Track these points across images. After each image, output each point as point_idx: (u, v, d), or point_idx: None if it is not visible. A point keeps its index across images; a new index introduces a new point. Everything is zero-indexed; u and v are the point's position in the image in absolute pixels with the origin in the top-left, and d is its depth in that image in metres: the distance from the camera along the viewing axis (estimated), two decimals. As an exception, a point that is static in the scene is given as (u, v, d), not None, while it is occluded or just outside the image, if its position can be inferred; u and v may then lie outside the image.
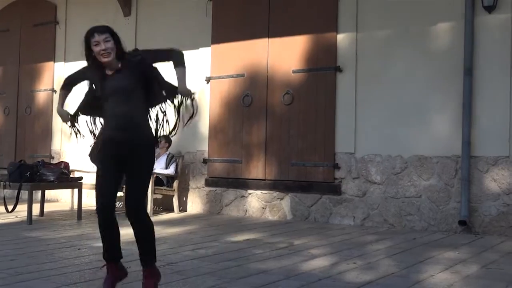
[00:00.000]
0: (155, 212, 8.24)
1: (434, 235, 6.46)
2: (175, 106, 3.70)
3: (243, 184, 8.16)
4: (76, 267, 4.40)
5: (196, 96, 8.42)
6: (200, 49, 8.66)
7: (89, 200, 9.18)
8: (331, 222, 7.43)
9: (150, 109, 3.66)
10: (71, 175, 7.83)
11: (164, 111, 3.74)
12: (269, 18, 8.04)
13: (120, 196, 3.92)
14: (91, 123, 3.79)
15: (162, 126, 3.75)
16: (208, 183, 8.49)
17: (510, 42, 6.47)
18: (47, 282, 3.89)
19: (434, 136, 6.85)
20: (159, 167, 8.27)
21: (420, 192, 6.91)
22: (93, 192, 9.44)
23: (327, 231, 6.69)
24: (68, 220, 7.45)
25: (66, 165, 7.69)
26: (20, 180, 6.92)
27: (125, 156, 3.45)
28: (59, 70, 10.17)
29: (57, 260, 4.67)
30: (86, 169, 8.53)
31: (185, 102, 3.69)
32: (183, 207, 8.67)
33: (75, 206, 7.86)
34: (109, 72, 3.49)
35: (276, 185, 7.89)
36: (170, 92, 3.62)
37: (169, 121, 3.76)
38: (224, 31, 8.41)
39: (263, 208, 8.01)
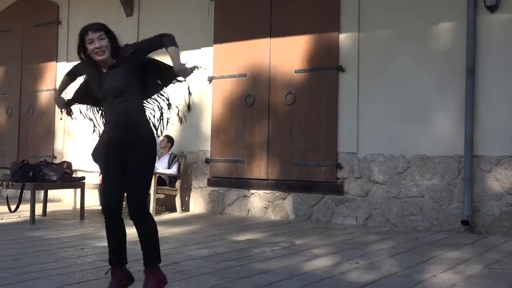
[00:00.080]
0: (158, 212, 8.25)
1: (437, 235, 6.45)
2: (168, 101, 3.66)
3: (245, 184, 8.16)
4: (78, 266, 4.40)
5: (197, 91, 8.42)
6: (202, 49, 8.66)
7: (92, 200, 9.20)
8: (334, 222, 7.43)
9: (146, 100, 3.64)
10: (73, 175, 7.85)
11: (161, 108, 3.71)
12: (271, 18, 8.04)
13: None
14: (91, 112, 3.76)
15: (161, 122, 3.71)
16: (210, 183, 8.50)
17: (513, 41, 6.47)
18: (50, 281, 3.89)
19: (436, 136, 6.85)
20: (162, 167, 8.28)
21: (422, 192, 6.90)
22: (96, 192, 9.53)
23: (329, 231, 6.69)
24: (70, 219, 7.46)
25: (69, 165, 7.70)
26: (23, 180, 6.93)
27: (127, 155, 3.43)
28: (61, 70, 10.18)
29: (60, 259, 4.68)
30: (88, 169, 8.55)
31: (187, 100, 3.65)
32: (185, 207, 8.68)
33: (78, 206, 7.87)
34: (104, 70, 3.46)
35: (278, 185, 7.89)
36: (167, 76, 3.61)
37: (163, 117, 3.70)
38: (226, 31, 8.41)
39: (265, 208, 8.01)
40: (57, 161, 9.52)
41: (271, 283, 3.94)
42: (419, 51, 6.99)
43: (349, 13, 7.45)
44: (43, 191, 7.99)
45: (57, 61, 10.32)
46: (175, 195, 8.39)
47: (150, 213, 3.54)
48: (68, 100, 3.78)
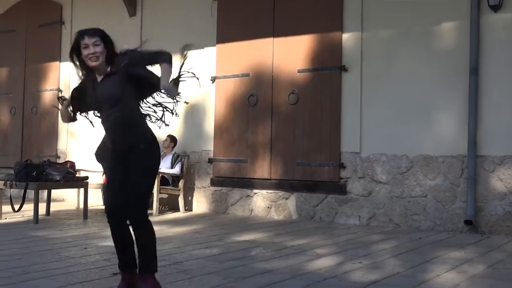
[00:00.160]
0: (161, 212, 8.26)
1: (440, 234, 6.44)
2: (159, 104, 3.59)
3: (248, 183, 8.16)
4: (82, 266, 4.41)
5: (200, 91, 8.42)
6: (205, 48, 8.67)
7: (95, 200, 9.21)
8: (337, 221, 7.42)
9: (143, 103, 3.55)
10: (77, 175, 7.86)
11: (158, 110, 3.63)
12: (274, 17, 8.04)
13: None
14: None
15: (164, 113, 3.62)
16: (213, 182, 8.50)
17: (516, 41, 6.46)
18: (53, 281, 3.90)
19: (439, 136, 6.84)
20: (165, 166, 8.29)
21: (426, 191, 6.89)
22: (99, 192, 9.54)
23: (332, 230, 6.69)
24: (74, 219, 7.47)
25: (72, 164, 7.72)
26: (26, 179, 6.95)
27: (128, 160, 3.39)
28: (64, 70, 10.21)
29: (63, 259, 4.69)
30: (92, 169, 8.55)
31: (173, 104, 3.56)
32: (188, 206, 8.68)
33: (81, 206, 7.88)
34: (98, 78, 3.41)
35: (281, 184, 7.89)
36: (155, 86, 3.49)
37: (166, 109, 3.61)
38: (229, 30, 8.41)
39: (268, 207, 8.01)
40: (61, 160, 9.54)
41: (274, 282, 3.94)
42: (422, 50, 6.99)
43: (352, 12, 7.44)
44: (46, 190, 8.00)
45: (60, 61, 10.33)
46: (178, 195, 8.40)
47: (150, 221, 3.46)
48: (72, 113, 3.69)
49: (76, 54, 3.42)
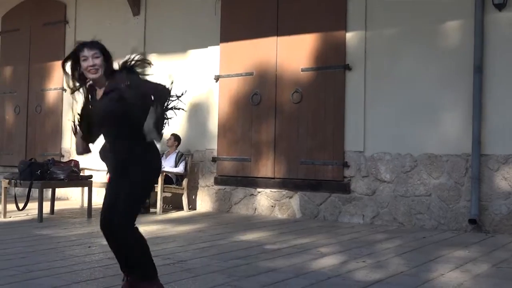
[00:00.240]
0: (165, 210, 8.27)
1: (444, 233, 6.43)
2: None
3: (252, 182, 8.17)
4: (86, 264, 4.42)
5: (203, 90, 8.44)
6: (209, 47, 8.67)
7: (99, 198, 9.21)
8: (340, 220, 7.42)
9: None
10: (81, 174, 7.88)
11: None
12: (278, 16, 8.03)
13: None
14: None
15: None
16: (217, 181, 8.51)
17: (521, 39, 6.44)
18: (57, 279, 3.91)
19: (444, 135, 6.82)
20: (169, 165, 8.30)
21: (430, 190, 6.88)
22: (103, 190, 9.54)
23: (336, 229, 6.69)
24: (78, 218, 7.49)
25: (76, 163, 7.73)
26: (30, 178, 6.96)
27: (124, 173, 3.36)
28: (68, 69, 10.20)
29: (68, 257, 4.70)
30: (96, 168, 8.57)
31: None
32: (192, 205, 8.69)
33: (85, 204, 7.90)
34: (98, 93, 3.39)
35: (285, 183, 7.89)
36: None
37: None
38: (233, 29, 8.41)
39: (272, 206, 8.01)
40: (65, 159, 9.56)
41: (278, 281, 3.94)
42: (426, 49, 6.97)
43: (356, 11, 7.43)
44: (50, 189, 8.02)
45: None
46: (182, 194, 8.41)
47: (134, 233, 3.36)
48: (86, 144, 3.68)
49: (73, 65, 3.41)
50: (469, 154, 6.62)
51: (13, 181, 7.13)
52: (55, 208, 7.95)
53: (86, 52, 3.34)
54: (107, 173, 8.20)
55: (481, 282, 4.04)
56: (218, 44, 8.57)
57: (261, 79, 8.14)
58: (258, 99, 8.15)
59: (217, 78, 8.57)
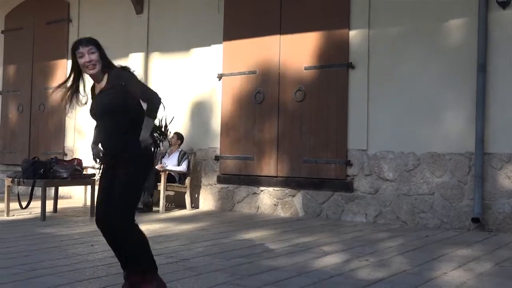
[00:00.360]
0: (167, 209, 8.28)
1: (447, 232, 6.42)
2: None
3: (255, 181, 8.17)
4: (89, 263, 4.43)
5: (207, 89, 8.47)
6: (212, 46, 8.67)
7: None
8: (343, 219, 7.41)
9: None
10: (84, 172, 7.88)
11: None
12: (281, 14, 8.02)
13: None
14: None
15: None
16: (220, 180, 8.51)
17: (525, 38, 6.42)
18: (60, 278, 3.91)
19: (447, 133, 6.81)
20: (171, 164, 8.31)
21: (433, 189, 6.87)
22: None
23: (339, 228, 6.68)
24: (81, 216, 7.50)
25: (79, 162, 7.74)
26: (34, 177, 6.97)
27: (116, 169, 3.37)
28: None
29: (71, 256, 4.71)
30: (98, 166, 8.57)
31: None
32: (195, 204, 8.70)
33: (88, 203, 7.91)
34: (97, 91, 3.46)
35: (288, 182, 7.88)
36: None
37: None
38: (236, 28, 8.41)
39: (275, 205, 8.01)
40: (68, 158, 9.56)
41: (280, 280, 3.94)
42: (430, 47, 6.95)
43: (359, 10, 7.42)
44: (53, 188, 8.03)
45: (67, 59, 10.34)
46: (185, 192, 8.41)
47: (134, 230, 3.36)
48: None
49: (74, 66, 3.46)
50: (473, 153, 6.60)
51: (16, 179, 7.14)
52: (58, 206, 7.96)
53: (81, 49, 3.39)
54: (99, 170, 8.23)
55: (484, 281, 4.03)
56: (221, 43, 8.57)
57: (264, 78, 8.14)
58: (261, 97, 8.15)
59: (220, 77, 8.57)
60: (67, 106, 3.64)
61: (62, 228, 6.38)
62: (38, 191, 7.33)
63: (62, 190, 9.58)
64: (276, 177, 7.99)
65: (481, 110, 6.52)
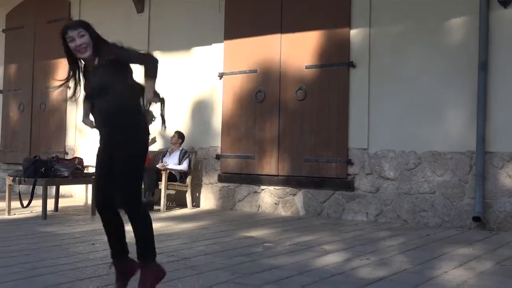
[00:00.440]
0: (168, 208, 8.28)
1: (448, 231, 6.42)
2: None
3: (256, 180, 8.17)
4: (90, 261, 4.43)
5: (207, 88, 8.49)
6: (213, 45, 8.67)
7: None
8: (344, 218, 7.41)
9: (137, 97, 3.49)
10: (85, 171, 7.89)
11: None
12: (282, 13, 8.02)
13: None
14: None
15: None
16: (221, 178, 8.51)
17: (526, 36, 6.41)
18: (61, 276, 3.92)
19: (448, 132, 6.81)
20: (172, 162, 8.31)
21: (434, 188, 6.87)
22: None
23: (340, 227, 6.68)
24: (82, 215, 7.50)
25: (80, 160, 7.75)
26: (35, 175, 6.98)
27: (114, 149, 3.37)
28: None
29: (72, 254, 4.71)
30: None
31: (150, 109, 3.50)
32: (196, 202, 8.70)
33: (89, 201, 7.92)
34: (89, 69, 3.43)
35: (289, 181, 7.88)
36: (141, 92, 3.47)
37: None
38: (237, 27, 8.41)
39: (276, 204, 8.01)
40: (69, 157, 9.58)
41: (281, 278, 3.94)
42: (431, 46, 6.95)
43: (360, 8, 7.42)
44: (54, 186, 8.04)
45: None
46: (186, 191, 8.42)
47: (145, 211, 3.43)
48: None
49: (66, 51, 3.43)
50: (473, 152, 6.60)
51: (17, 178, 7.15)
52: (59, 205, 7.97)
53: (70, 33, 3.35)
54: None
55: (485, 280, 4.03)
56: (222, 42, 8.57)
57: (265, 77, 8.14)
58: (262, 96, 8.15)
59: (221, 76, 8.57)
60: (72, 97, 3.61)
61: (63, 226, 6.39)
62: (39, 190, 7.34)
63: (63, 189, 9.59)
64: (277, 176, 7.99)
65: (482, 109, 6.52)
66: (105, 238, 3.50)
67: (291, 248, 5.17)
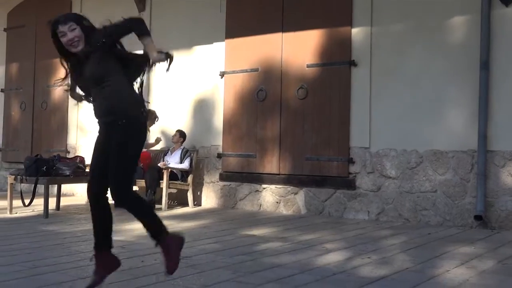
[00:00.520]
0: (170, 206, 8.28)
1: (450, 230, 6.42)
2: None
3: (257, 178, 8.17)
4: (92, 260, 4.42)
5: (209, 86, 8.50)
6: (214, 43, 8.67)
7: (105, 195, 9.24)
8: (346, 216, 7.41)
9: (133, 82, 3.47)
10: (86, 169, 7.88)
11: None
12: (283, 12, 8.02)
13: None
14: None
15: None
16: (222, 177, 8.51)
17: (528, 35, 6.40)
18: (63, 275, 3.92)
19: (449, 131, 6.80)
20: (174, 161, 8.32)
21: (435, 186, 6.87)
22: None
23: (341, 225, 6.68)
24: (84, 214, 7.50)
25: (82, 159, 7.75)
26: (36, 174, 6.99)
27: (109, 137, 3.36)
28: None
29: (73, 253, 4.71)
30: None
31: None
32: (197, 201, 8.70)
33: (91, 200, 7.90)
34: (82, 58, 3.38)
35: (290, 179, 7.88)
36: (143, 64, 3.45)
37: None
38: (238, 25, 8.40)
39: (277, 202, 8.01)
40: (70, 155, 9.59)
41: (283, 277, 3.94)
42: (432, 45, 6.94)
43: (362, 6, 7.41)
44: (56, 185, 8.05)
45: (70, 56, 10.37)
46: (187, 190, 8.42)
47: (135, 194, 3.45)
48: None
49: (56, 44, 3.39)
50: (475, 150, 6.60)
51: (19, 177, 7.16)
52: (61, 204, 7.97)
53: (61, 28, 3.31)
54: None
55: (486, 279, 4.03)
56: (223, 40, 8.57)
57: (266, 75, 8.14)
58: (263, 95, 8.14)
59: (222, 74, 8.56)
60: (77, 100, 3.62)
61: (64, 225, 6.39)
62: (40, 188, 7.34)
63: (65, 187, 9.59)
64: (279, 174, 7.99)
65: (483, 107, 6.51)
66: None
67: (293, 247, 5.17)
